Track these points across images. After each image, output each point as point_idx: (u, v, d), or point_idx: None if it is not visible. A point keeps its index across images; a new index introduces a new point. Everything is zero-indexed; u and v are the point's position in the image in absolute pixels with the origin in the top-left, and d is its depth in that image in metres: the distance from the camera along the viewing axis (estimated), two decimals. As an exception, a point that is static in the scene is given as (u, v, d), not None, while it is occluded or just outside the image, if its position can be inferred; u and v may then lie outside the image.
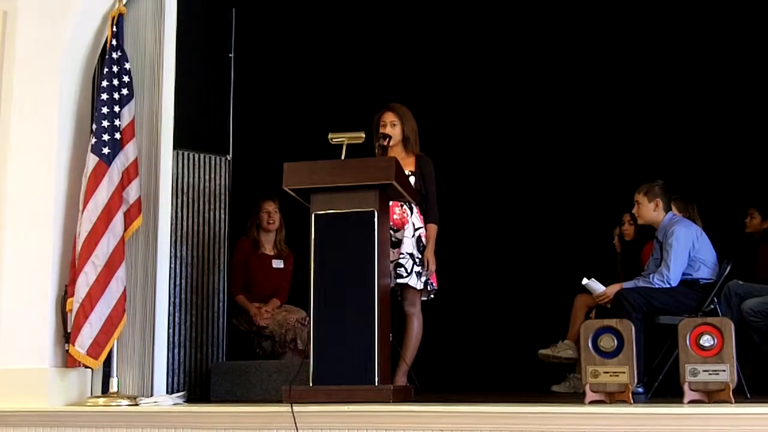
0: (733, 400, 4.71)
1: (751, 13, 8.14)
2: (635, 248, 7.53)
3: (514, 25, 8.88)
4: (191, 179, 6.44)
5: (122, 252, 5.58)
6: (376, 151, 5.99)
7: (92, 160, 5.60)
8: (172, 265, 6.12)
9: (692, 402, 4.76)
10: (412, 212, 5.91)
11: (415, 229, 5.88)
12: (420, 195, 5.97)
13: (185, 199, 6.38)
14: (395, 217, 5.78)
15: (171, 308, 6.09)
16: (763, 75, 8.14)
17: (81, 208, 5.57)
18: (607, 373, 4.89)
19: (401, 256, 5.76)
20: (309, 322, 5.28)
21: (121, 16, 5.86)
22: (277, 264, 7.16)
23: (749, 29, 8.22)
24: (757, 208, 7.49)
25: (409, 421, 4.70)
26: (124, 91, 5.75)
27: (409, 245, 5.81)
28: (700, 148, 8.38)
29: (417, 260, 5.81)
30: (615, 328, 4.95)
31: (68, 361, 5.53)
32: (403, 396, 5.19)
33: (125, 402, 5.45)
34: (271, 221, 7.13)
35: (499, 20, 8.91)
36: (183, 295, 6.28)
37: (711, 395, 4.79)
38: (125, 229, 5.62)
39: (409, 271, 5.76)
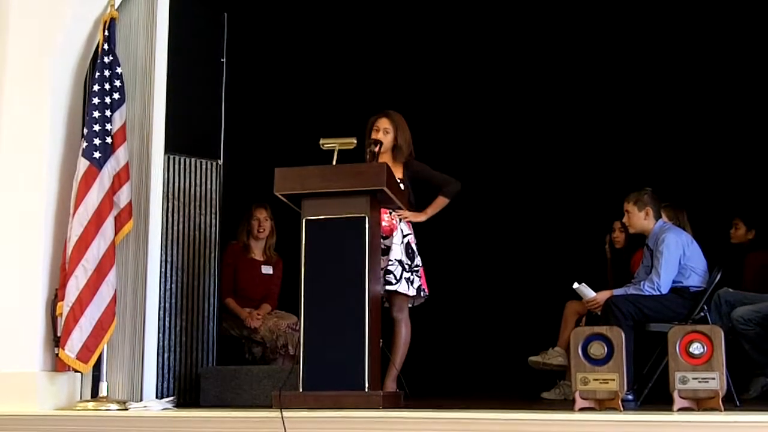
0: (722, 408, 4.72)
1: (740, 26, 8.18)
2: (625, 255, 7.53)
3: (505, 36, 8.90)
4: (182, 184, 6.43)
5: (113, 256, 5.58)
6: (367, 156, 5.98)
7: (83, 164, 5.60)
8: (163, 270, 6.12)
9: (682, 410, 4.77)
10: (400, 219, 5.91)
11: (404, 236, 5.88)
12: (409, 203, 5.98)
13: (176, 203, 6.37)
14: (384, 224, 5.78)
15: (161, 313, 6.08)
16: (752, 88, 8.17)
17: (71, 211, 5.56)
18: (596, 380, 4.89)
19: (390, 263, 5.76)
20: (300, 328, 5.28)
21: (112, 20, 5.86)
22: (266, 270, 7.15)
23: (738, 44, 8.25)
24: (741, 219, 7.50)
25: (398, 427, 4.70)
26: (116, 96, 5.75)
27: (397, 252, 5.81)
28: (689, 157, 8.41)
29: (406, 267, 5.82)
30: (605, 336, 4.96)
31: (58, 365, 5.53)
32: (392, 402, 5.19)
33: (115, 406, 5.44)
34: (261, 229, 7.11)
35: (490, 32, 8.93)
36: (173, 300, 6.27)
37: (700, 403, 4.80)
38: (116, 233, 5.62)
39: (398, 277, 5.76)
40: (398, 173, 6.00)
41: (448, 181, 6.13)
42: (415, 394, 5.93)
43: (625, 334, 5.06)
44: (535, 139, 9.02)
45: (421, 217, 6.01)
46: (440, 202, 6.12)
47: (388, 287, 5.74)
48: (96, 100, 5.70)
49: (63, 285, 5.50)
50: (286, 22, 8.91)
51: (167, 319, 6.20)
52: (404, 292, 5.79)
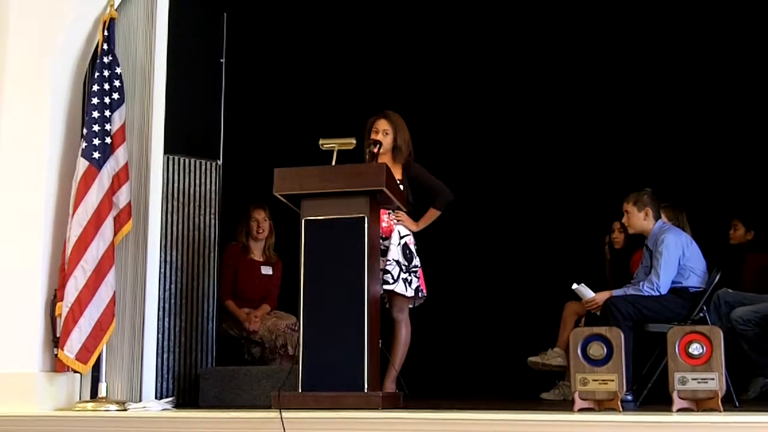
0: (721, 409, 4.72)
1: (740, 26, 8.17)
2: (625, 256, 7.53)
3: (504, 37, 8.89)
4: (181, 184, 6.42)
5: (112, 257, 5.58)
6: (366, 156, 5.98)
7: (82, 164, 5.60)
8: (162, 270, 6.11)
9: (681, 410, 4.77)
10: (397, 220, 5.91)
11: (401, 237, 5.87)
12: (408, 203, 5.97)
13: (175, 203, 6.37)
14: (383, 225, 5.78)
15: (160, 313, 6.08)
16: (752, 88, 8.17)
17: (71, 212, 5.57)
18: (596, 380, 4.89)
19: (387, 263, 5.76)
20: (299, 328, 5.27)
21: (112, 20, 5.86)
22: (266, 270, 7.14)
23: (738, 44, 8.24)
24: (740, 220, 7.50)
25: (398, 428, 4.70)
26: (115, 96, 5.76)
27: (395, 252, 5.81)
28: (689, 158, 8.40)
29: (404, 267, 5.81)
30: (604, 336, 4.96)
31: (57, 366, 5.53)
32: (392, 403, 5.18)
33: (114, 407, 5.45)
34: (261, 230, 7.10)
35: (490, 33, 8.93)
36: (172, 300, 6.27)
37: (700, 403, 4.80)
38: (115, 234, 5.63)
39: (395, 277, 5.75)
40: (397, 174, 5.99)
41: (441, 191, 6.11)
42: (415, 394, 5.93)
43: (625, 334, 5.06)
44: (534, 140, 9.01)
45: (413, 228, 6.01)
46: (432, 214, 6.13)
47: (385, 286, 5.73)
48: (95, 100, 5.70)
49: (62, 285, 5.50)
50: (286, 22, 8.90)
51: (166, 319, 6.20)
52: (401, 292, 5.78)
